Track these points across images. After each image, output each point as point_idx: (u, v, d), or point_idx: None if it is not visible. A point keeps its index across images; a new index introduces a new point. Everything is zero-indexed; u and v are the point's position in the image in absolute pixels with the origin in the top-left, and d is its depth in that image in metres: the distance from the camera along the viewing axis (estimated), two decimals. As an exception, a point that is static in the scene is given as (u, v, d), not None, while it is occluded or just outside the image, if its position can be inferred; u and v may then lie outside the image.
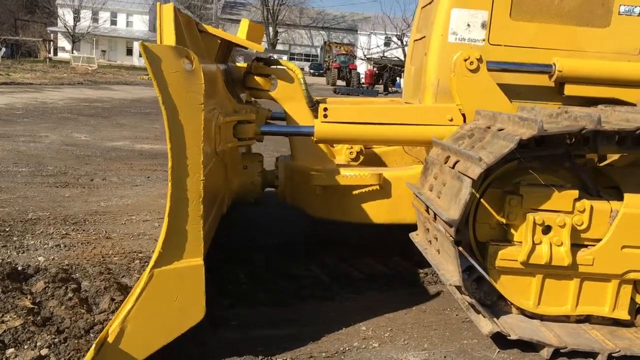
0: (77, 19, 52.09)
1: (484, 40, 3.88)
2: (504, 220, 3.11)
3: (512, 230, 3.12)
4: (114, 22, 60.47)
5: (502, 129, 3.05)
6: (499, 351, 3.10)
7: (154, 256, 2.44)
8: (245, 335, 3.10)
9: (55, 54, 54.11)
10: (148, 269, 2.43)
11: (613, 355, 2.94)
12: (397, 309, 3.55)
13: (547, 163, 3.12)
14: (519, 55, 3.90)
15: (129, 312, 2.39)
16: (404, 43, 38.70)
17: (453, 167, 3.04)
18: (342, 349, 3.02)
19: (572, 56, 3.88)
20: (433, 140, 3.60)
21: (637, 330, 3.20)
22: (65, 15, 52.81)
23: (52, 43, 54.31)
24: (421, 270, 4.19)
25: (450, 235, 2.88)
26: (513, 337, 2.95)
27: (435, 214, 3.08)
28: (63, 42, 56.20)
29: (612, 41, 3.92)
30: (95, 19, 56.01)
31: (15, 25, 53.80)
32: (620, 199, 3.07)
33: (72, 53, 47.20)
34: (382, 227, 4.25)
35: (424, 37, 4.30)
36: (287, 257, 4.32)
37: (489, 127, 3.22)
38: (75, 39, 51.78)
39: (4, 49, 43.67)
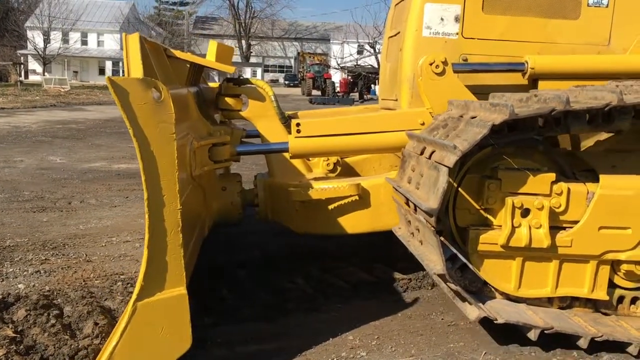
0: (47, 40, 51.58)
1: (457, 33, 3.94)
2: (483, 205, 3.14)
3: (492, 215, 3.16)
4: (84, 42, 60.01)
5: (475, 117, 3.09)
6: (485, 352, 3.13)
7: (136, 289, 2.41)
8: (232, 352, 3.09)
9: (27, 76, 53.52)
10: (131, 303, 2.41)
11: (595, 339, 2.99)
12: (383, 316, 3.57)
13: (522, 147, 3.17)
14: (493, 48, 3.96)
15: (115, 347, 2.37)
16: (377, 50, 38.99)
17: (429, 158, 3.07)
18: (330, 359, 3.02)
19: (544, 48, 3.96)
20: (408, 134, 3.63)
21: (618, 318, 3.25)
22: (35, 38, 52.22)
23: (22, 66, 53.73)
24: (405, 277, 4.21)
25: (431, 225, 2.90)
26: (500, 321, 2.96)
27: (415, 206, 3.10)
28: (34, 65, 55.62)
29: (582, 32, 4.00)
30: (65, 40, 55.46)
31: (-16, 49, 53.13)
32: (596, 181, 3.12)
33: (44, 75, 46.66)
34: (365, 235, 4.27)
35: (399, 33, 4.35)
36: (270, 271, 4.31)
37: (461, 116, 3.26)
38: (46, 60, 51.27)
39: (-27, 74, 43.13)
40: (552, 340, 3.13)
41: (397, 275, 4.26)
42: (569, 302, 3.28)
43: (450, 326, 3.48)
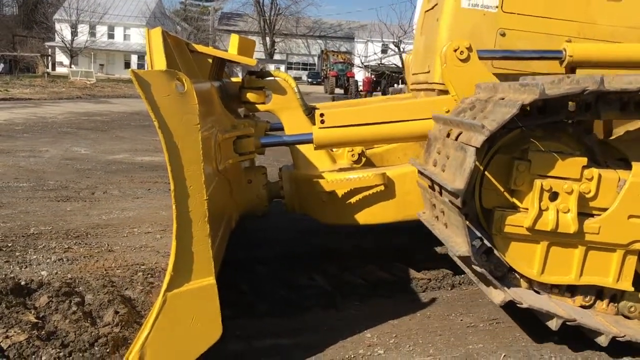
0: (74, 33, 52.30)
1: (497, 7, 3.89)
2: (511, 186, 3.08)
3: (519, 197, 3.09)
4: (111, 36, 60.80)
5: (504, 98, 3.03)
6: (504, 355, 3.10)
7: (166, 280, 2.42)
8: (249, 346, 3.10)
9: (54, 68, 54.32)
10: (161, 293, 2.42)
11: (617, 339, 2.93)
12: (401, 315, 3.55)
13: (552, 131, 3.10)
14: (531, 25, 3.89)
15: (147, 338, 2.37)
16: (401, 50, 38.79)
17: (456, 140, 3.01)
18: (347, 356, 3.01)
19: (583, 28, 3.86)
20: (434, 116, 3.58)
21: None
22: (63, 30, 53.02)
23: (50, 58, 54.48)
24: (424, 277, 4.19)
25: (457, 206, 2.85)
26: (524, 305, 2.90)
27: (440, 189, 3.06)
28: (61, 57, 56.41)
29: (625, 15, 3.89)
30: (92, 33, 56.31)
31: (13, 41, 53.91)
32: (628, 169, 3.03)
33: (70, 67, 47.29)
34: (384, 234, 4.26)
35: (437, 4, 4.29)
36: (289, 268, 4.32)
37: (490, 98, 3.20)
38: (73, 53, 51.96)
39: (2, 65, 43.87)
40: (573, 346, 3.10)
41: (416, 275, 4.23)
42: (592, 301, 3.20)
43: (470, 327, 3.45)
